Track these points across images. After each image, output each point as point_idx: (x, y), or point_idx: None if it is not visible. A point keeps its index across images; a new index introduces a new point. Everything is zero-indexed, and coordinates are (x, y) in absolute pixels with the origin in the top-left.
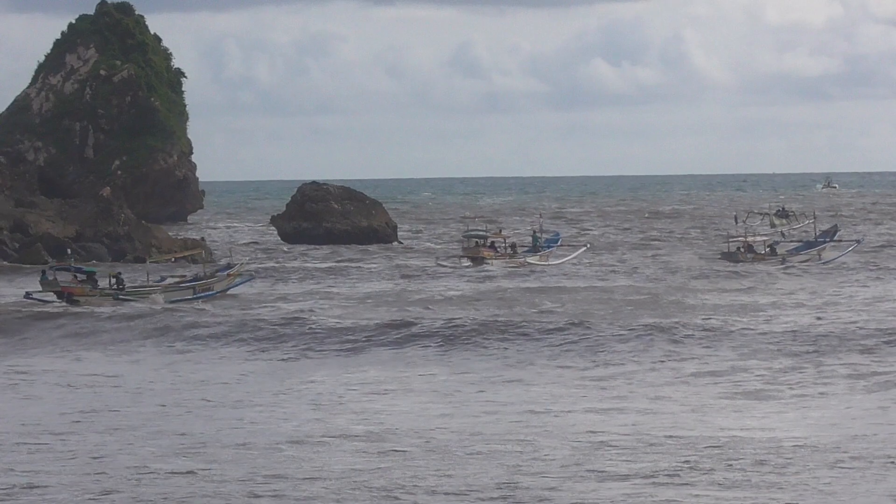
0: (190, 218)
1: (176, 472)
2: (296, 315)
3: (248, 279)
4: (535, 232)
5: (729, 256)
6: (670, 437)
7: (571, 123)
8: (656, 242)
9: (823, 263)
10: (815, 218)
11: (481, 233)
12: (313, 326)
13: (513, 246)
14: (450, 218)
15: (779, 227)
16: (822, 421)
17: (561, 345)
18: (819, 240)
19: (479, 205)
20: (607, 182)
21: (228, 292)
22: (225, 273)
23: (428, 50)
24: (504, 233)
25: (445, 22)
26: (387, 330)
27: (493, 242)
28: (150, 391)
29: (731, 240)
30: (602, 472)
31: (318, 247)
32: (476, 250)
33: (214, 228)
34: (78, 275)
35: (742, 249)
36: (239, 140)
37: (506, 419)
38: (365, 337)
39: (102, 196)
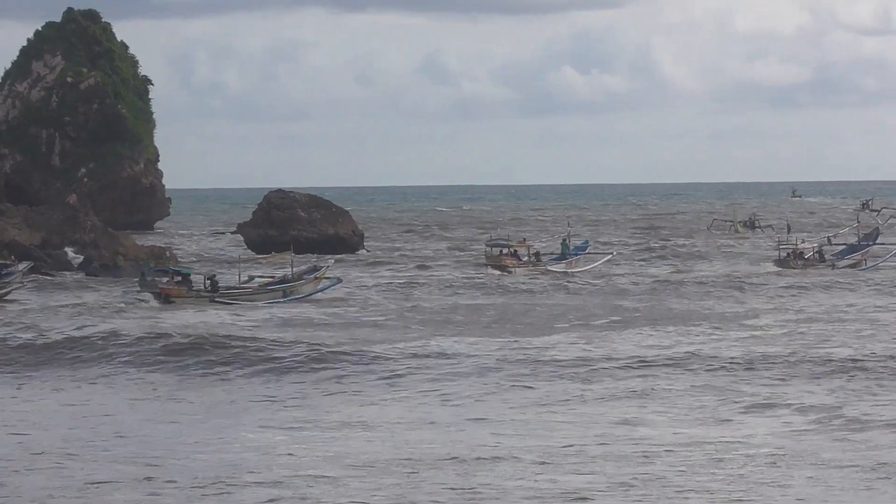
0: (157, 225)
1: None
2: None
3: (336, 283)
4: (564, 239)
5: (781, 263)
6: (640, 452)
7: (541, 131)
8: (677, 250)
9: (867, 267)
10: (858, 223)
11: (504, 242)
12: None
13: (537, 254)
14: (422, 225)
15: (743, 235)
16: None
17: (561, 362)
18: (862, 244)
19: (451, 212)
20: (580, 190)
21: (315, 296)
22: (312, 276)
23: (398, 57)
24: (528, 241)
25: (416, 29)
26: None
27: (516, 251)
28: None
29: (781, 246)
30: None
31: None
32: (499, 259)
33: (181, 236)
34: (175, 276)
35: (792, 256)
36: (208, 147)
37: (473, 440)
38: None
39: (69, 203)
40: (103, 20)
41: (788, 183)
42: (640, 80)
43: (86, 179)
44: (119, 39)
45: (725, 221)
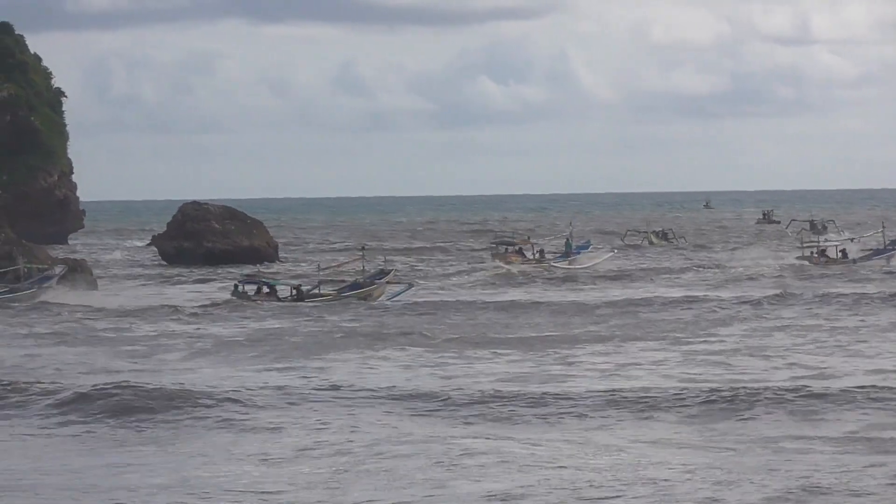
0: (70, 237)
1: None
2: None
3: (408, 288)
4: (567, 238)
5: (805, 261)
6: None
7: (457, 142)
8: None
9: (891, 270)
10: (883, 227)
11: (509, 240)
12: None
13: (541, 252)
14: (333, 236)
15: (656, 247)
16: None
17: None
18: (888, 247)
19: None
20: (497, 201)
21: (389, 301)
22: (383, 281)
23: (313, 68)
24: (532, 240)
25: (332, 40)
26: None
27: (520, 248)
28: None
29: (805, 245)
30: None
31: (199, 267)
32: (505, 256)
33: (95, 248)
34: (263, 287)
35: (816, 254)
36: (123, 159)
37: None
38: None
39: None
40: (17, 32)
41: (704, 193)
42: (557, 90)
43: (0, 191)
44: (32, 52)
45: (639, 232)
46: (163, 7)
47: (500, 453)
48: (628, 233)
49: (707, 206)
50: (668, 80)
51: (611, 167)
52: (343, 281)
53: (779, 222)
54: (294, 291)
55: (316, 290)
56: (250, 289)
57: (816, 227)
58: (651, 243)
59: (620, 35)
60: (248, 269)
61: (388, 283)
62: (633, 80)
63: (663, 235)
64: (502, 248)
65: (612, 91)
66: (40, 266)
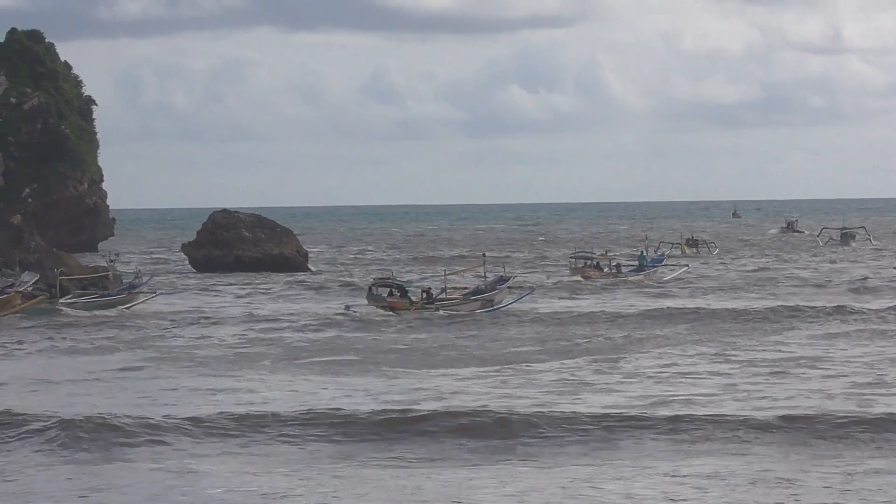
0: (101, 245)
1: None
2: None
3: (529, 293)
4: (642, 252)
5: None
6: None
7: (487, 150)
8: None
9: None
10: None
11: (588, 254)
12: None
13: (618, 266)
14: (364, 246)
15: (689, 255)
16: None
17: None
18: None
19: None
20: (529, 209)
21: (510, 306)
22: (504, 286)
23: (345, 76)
24: (609, 254)
25: (364, 48)
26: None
27: (598, 263)
28: None
29: None
30: None
31: (228, 274)
32: (584, 270)
33: (125, 255)
34: (395, 290)
35: None
36: (153, 167)
37: None
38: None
39: (13, 223)
40: (47, 40)
41: (733, 202)
42: (588, 98)
43: (30, 199)
44: (63, 59)
45: (671, 243)
46: (194, 15)
47: None
48: (661, 244)
49: (735, 215)
50: (699, 89)
51: (641, 176)
52: (465, 287)
53: (802, 232)
54: (424, 295)
55: (443, 295)
56: (383, 291)
57: (847, 237)
58: (684, 253)
59: (651, 44)
60: (381, 273)
61: (509, 288)
62: (664, 88)
63: (694, 244)
64: (581, 262)
65: (643, 100)
66: (129, 273)
